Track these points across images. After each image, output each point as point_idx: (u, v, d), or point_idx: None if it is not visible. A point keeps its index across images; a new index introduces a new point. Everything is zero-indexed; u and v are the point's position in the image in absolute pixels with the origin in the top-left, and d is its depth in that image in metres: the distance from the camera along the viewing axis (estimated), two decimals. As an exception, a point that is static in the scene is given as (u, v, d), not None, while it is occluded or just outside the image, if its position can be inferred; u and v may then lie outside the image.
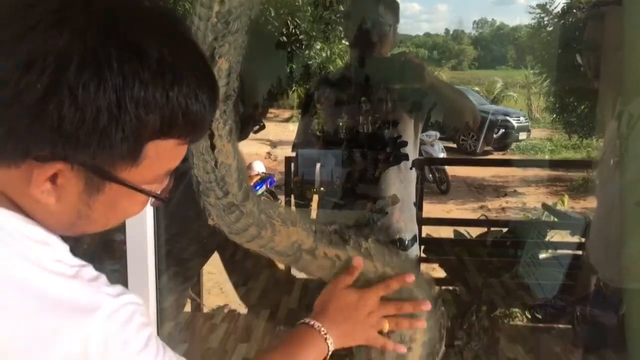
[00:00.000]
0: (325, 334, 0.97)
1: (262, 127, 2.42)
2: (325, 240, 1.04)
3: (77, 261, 0.68)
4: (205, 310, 3.63)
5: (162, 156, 0.67)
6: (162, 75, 0.63)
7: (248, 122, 2.28)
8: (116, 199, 0.68)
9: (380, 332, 1.04)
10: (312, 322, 0.98)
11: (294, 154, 2.73)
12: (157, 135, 0.65)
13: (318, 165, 2.62)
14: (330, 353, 0.97)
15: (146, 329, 0.67)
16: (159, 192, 0.72)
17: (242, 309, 3.88)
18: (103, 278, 0.68)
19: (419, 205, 3.52)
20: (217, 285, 4.84)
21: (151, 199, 0.71)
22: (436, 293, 1.10)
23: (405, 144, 2.21)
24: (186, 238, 2.35)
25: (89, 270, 0.67)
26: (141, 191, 0.68)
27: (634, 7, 1.16)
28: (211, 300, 4.40)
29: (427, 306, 1.06)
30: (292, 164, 2.79)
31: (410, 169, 2.26)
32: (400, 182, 2.24)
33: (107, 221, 0.71)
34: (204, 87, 0.67)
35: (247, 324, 3.24)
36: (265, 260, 3.61)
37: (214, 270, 4.92)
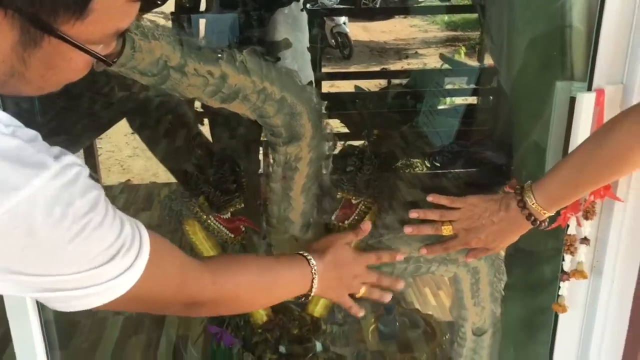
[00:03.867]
0: (315, 274, 0.96)
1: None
2: (195, 55, 0.94)
3: (11, 120, 0.59)
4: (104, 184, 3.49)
5: (111, 12, 0.60)
6: None
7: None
8: (55, 57, 0.60)
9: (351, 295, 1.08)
10: (310, 258, 0.97)
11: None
12: None
13: (202, 22, 2.44)
14: (310, 295, 0.98)
15: (92, 191, 0.62)
16: (104, 54, 0.63)
17: (145, 181, 3.78)
18: (40, 137, 0.61)
19: (318, 66, 3.43)
20: (117, 163, 4.65)
21: (95, 62, 0.63)
22: (319, 105, 1.05)
23: (293, -17, 2.07)
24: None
25: (25, 130, 0.60)
26: (84, 50, 0.60)
27: None
28: (113, 178, 4.23)
29: (401, 284, 1.12)
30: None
31: (302, 10, 2.14)
32: (292, 26, 2.12)
33: (44, 83, 0.63)
34: None
35: (149, 193, 3.16)
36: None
37: (113, 149, 4.72)
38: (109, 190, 3.27)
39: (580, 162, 0.92)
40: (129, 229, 0.66)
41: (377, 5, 8.45)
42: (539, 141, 1.26)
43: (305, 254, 0.98)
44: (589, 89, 1.01)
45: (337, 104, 3.49)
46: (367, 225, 1.10)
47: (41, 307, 1.16)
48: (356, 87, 3.79)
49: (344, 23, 7.84)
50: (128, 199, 3.07)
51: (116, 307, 0.68)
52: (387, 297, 1.12)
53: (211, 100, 0.98)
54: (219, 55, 0.95)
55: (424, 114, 3.60)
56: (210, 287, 0.80)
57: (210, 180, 1.24)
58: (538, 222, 0.98)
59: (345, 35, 7.85)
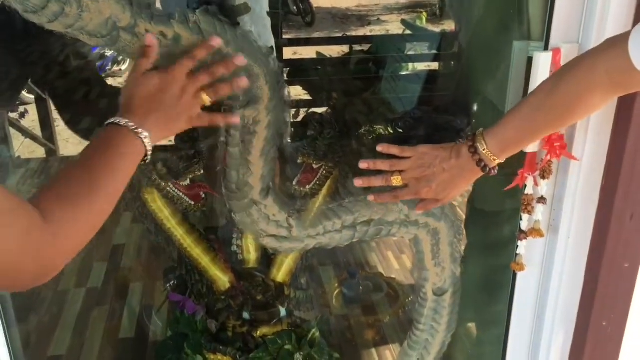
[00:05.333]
0: (136, 129, 0.83)
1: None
2: (146, 15, 0.91)
3: None
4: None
5: None
6: None
7: None
8: None
9: (204, 108, 0.94)
10: (118, 120, 0.83)
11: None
12: None
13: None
14: (150, 150, 0.85)
15: None
16: None
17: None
18: None
19: (279, 32, 3.36)
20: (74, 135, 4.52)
21: None
22: (277, 67, 1.03)
23: (251, -56, 2.01)
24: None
25: None
26: None
27: None
28: (71, 149, 4.12)
29: (241, 60, 0.95)
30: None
31: (261, -26, 2.09)
32: (250, -11, 2.07)
33: None
34: None
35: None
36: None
37: (70, 120, 4.59)
38: (65, 160, 3.20)
39: (531, 109, 0.92)
40: None
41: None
42: (496, 102, 1.27)
43: (115, 120, 0.83)
44: (546, 48, 1.02)
45: (299, 71, 3.45)
46: (149, 39, 0.90)
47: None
48: (318, 53, 3.74)
49: (307, -11, 7.74)
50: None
51: None
52: (243, 82, 0.96)
53: (165, 63, 0.94)
54: (171, 15, 0.92)
55: (386, 80, 3.60)
56: (52, 249, 0.67)
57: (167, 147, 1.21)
58: (488, 169, 0.97)
59: (307, 1, 7.75)
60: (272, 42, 2.23)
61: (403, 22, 4.02)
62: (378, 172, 1.06)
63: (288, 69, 3.49)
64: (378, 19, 8.61)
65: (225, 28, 0.96)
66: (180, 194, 1.23)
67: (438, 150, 1.02)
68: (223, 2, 2.09)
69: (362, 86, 3.59)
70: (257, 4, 2.10)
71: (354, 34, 7.77)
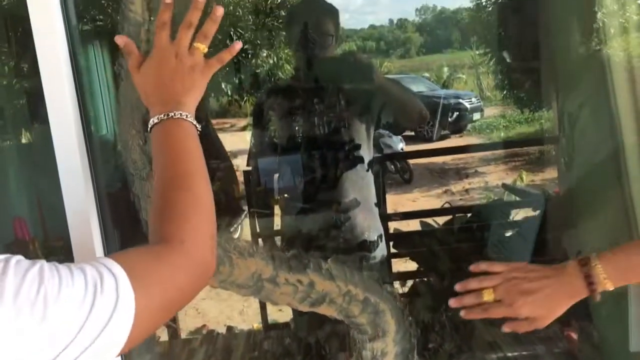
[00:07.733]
0: (174, 115, 0.84)
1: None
2: (285, 266, 1.04)
3: None
4: (182, 332, 3.57)
5: None
6: None
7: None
8: None
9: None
10: (155, 121, 0.85)
11: (250, 168, 2.72)
12: None
13: (276, 177, 2.61)
14: (197, 124, 0.86)
15: (31, 268, 0.59)
16: None
17: (221, 328, 3.86)
18: None
19: (381, 203, 3.53)
20: (191, 306, 4.78)
21: None
22: (402, 305, 1.11)
23: (358, 147, 2.22)
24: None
25: None
26: None
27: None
28: (188, 322, 4.35)
29: (220, 10, 0.91)
30: (250, 177, 2.78)
31: (367, 171, 2.27)
32: (358, 185, 2.24)
33: None
34: None
35: (226, 344, 3.21)
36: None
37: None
38: (187, 343, 3.36)
39: None
40: (90, 269, 0.63)
41: (434, 137, 8.70)
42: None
43: (151, 124, 0.85)
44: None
45: (405, 242, 3.54)
46: (119, 38, 0.92)
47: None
48: (421, 222, 3.84)
49: (402, 149, 8.05)
50: (207, 350, 3.13)
51: (143, 332, 0.65)
52: (219, 11, 0.91)
53: (301, 305, 1.05)
54: (307, 264, 1.04)
55: (492, 245, 3.59)
56: (200, 257, 0.74)
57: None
58: (595, 293, 0.90)
59: (404, 160, 8.03)
60: (380, 230, 2.36)
61: (504, 186, 4.08)
62: None
63: (392, 242, 3.59)
64: (475, 171, 8.74)
65: (353, 272, 1.07)
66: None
67: (535, 265, 0.97)
68: (334, 197, 2.27)
69: (468, 252, 3.60)
70: (365, 199, 2.26)
71: (452, 188, 7.91)
